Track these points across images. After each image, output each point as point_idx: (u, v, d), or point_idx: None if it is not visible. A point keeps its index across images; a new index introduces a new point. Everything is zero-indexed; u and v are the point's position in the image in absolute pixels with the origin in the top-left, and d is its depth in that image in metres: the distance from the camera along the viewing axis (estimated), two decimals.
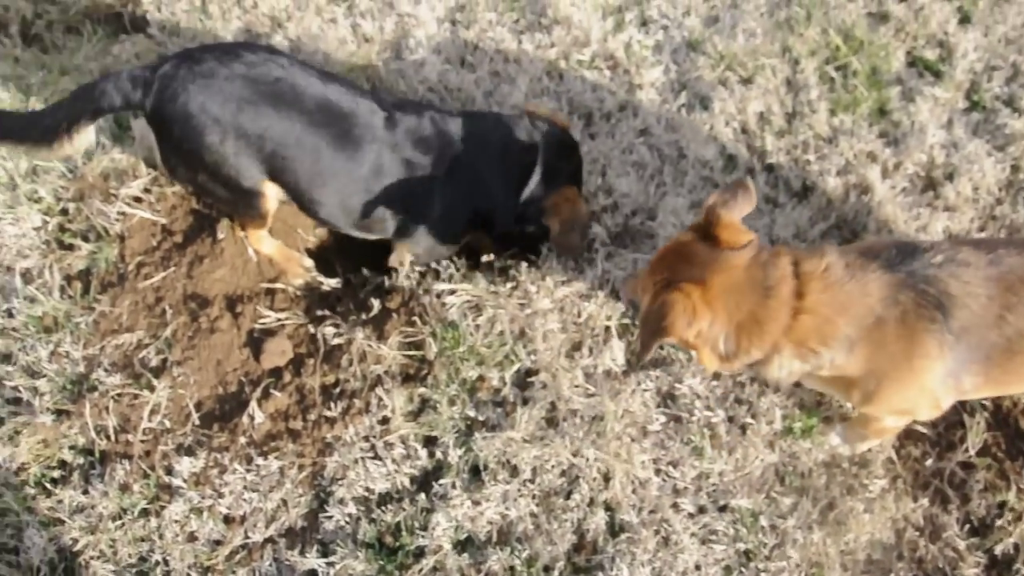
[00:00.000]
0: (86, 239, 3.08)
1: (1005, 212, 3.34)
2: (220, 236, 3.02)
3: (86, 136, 2.75)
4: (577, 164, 3.12)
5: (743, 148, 3.48)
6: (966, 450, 2.86)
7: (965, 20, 3.90)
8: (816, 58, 3.72)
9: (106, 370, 2.78)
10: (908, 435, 2.94)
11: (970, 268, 2.29)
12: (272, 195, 2.81)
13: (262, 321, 2.93)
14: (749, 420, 2.84)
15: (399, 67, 3.61)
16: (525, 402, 2.83)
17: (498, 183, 2.92)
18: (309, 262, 3.17)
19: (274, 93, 2.66)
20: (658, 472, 2.73)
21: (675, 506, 2.68)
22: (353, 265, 3.18)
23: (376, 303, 2.92)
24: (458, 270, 3.01)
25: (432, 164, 2.80)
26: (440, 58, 3.66)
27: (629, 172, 3.37)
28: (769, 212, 3.32)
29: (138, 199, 3.15)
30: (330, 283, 3.09)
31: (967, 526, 2.76)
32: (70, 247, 3.07)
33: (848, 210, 3.34)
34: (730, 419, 2.86)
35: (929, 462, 2.86)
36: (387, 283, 3.04)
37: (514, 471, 2.68)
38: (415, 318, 2.91)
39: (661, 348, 2.97)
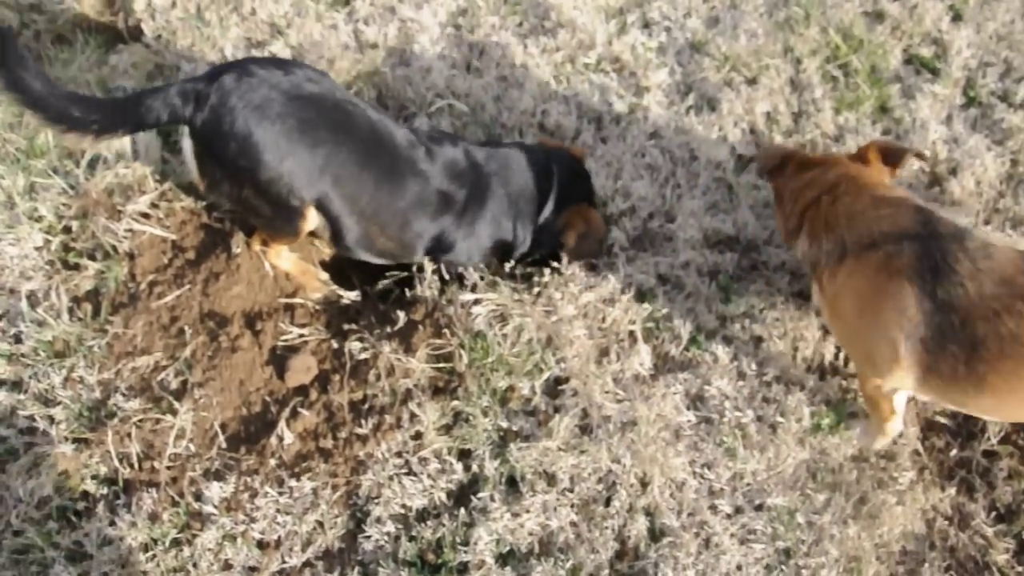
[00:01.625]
0: (93, 258, 2.97)
1: (1008, 205, 3.41)
2: (236, 251, 2.94)
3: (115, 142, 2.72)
4: (588, 186, 3.19)
5: (753, 148, 3.50)
6: (988, 439, 2.91)
7: (957, 18, 3.98)
8: (817, 57, 3.76)
9: (124, 395, 2.69)
10: (931, 427, 2.99)
11: (991, 260, 2.33)
12: (312, 217, 2.78)
13: (284, 338, 2.86)
14: (778, 419, 2.85)
15: (406, 73, 3.56)
16: (557, 410, 2.80)
17: (519, 214, 3.02)
18: (325, 275, 3.11)
19: (333, 119, 2.67)
20: (694, 475, 2.72)
21: (713, 508, 2.68)
22: (369, 277, 3.12)
23: (401, 315, 2.87)
24: (482, 279, 2.97)
25: (466, 197, 2.91)
26: (446, 63, 3.62)
27: (643, 175, 3.36)
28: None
29: (146, 215, 3.05)
30: (349, 296, 3.03)
31: (994, 513, 2.81)
32: (76, 267, 2.97)
33: None
34: (759, 418, 2.87)
35: (953, 452, 2.91)
36: (408, 294, 2.99)
37: (552, 480, 2.65)
38: (443, 329, 2.86)
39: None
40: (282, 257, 3.01)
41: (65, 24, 3.78)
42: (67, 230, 3.05)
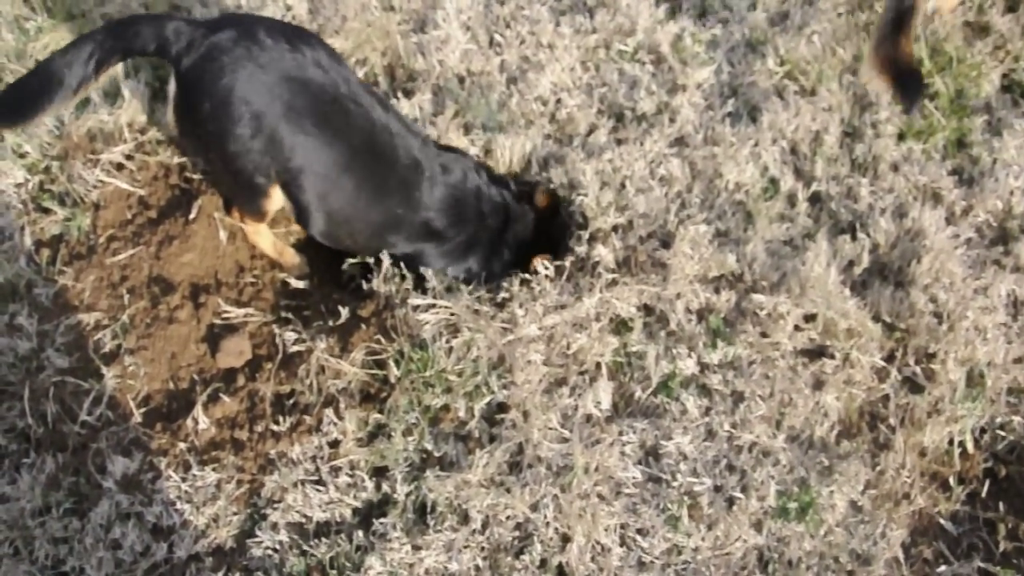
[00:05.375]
0: (63, 203, 2.92)
1: None
2: (192, 216, 2.82)
3: (111, 72, 2.59)
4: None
5: (789, 172, 3.07)
6: (990, 556, 2.49)
7: None
8: None
9: (57, 350, 2.64)
10: (923, 531, 2.58)
11: None
12: (277, 198, 2.65)
13: (224, 315, 2.73)
14: (738, 494, 2.51)
15: (419, 41, 3.30)
16: (492, 439, 2.57)
17: (493, 258, 2.95)
18: (299, 257, 2.96)
19: (326, 114, 2.51)
20: (623, 541, 2.44)
21: None
22: (329, 260, 2.94)
23: (345, 311, 2.68)
24: (441, 282, 2.74)
25: (447, 229, 2.81)
26: (467, 36, 3.33)
27: (652, 187, 3.00)
28: (803, 248, 2.92)
29: (120, 166, 2.96)
30: (297, 283, 2.87)
31: None
32: (46, 210, 2.92)
33: (895, 257, 2.91)
34: (717, 488, 2.53)
35: (942, 569, 2.49)
36: (365, 286, 2.79)
37: (464, 518, 2.43)
38: (389, 332, 2.66)
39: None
40: (260, 235, 2.88)
41: None
42: (47, 170, 3.01)
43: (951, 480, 2.64)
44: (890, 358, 2.77)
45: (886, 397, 2.71)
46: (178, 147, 2.97)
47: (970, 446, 2.67)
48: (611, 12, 3.38)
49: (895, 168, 3.07)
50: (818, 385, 2.70)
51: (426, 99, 3.15)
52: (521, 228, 3.01)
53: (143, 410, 2.57)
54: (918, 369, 2.74)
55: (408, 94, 3.19)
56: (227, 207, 2.89)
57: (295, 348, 2.65)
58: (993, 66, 3.27)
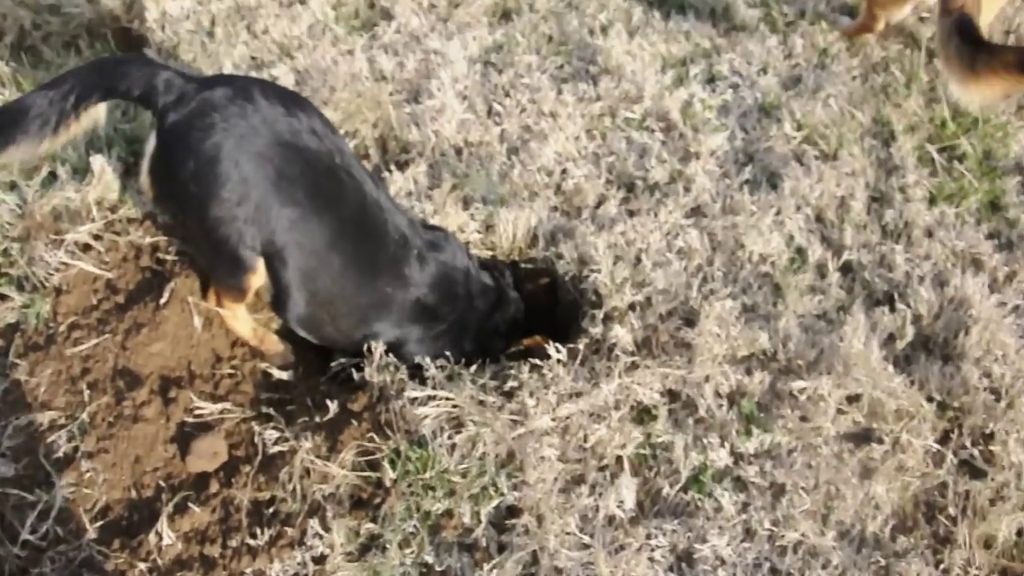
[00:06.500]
0: (21, 288, 2.64)
1: None
2: (163, 300, 2.54)
3: (94, 116, 2.33)
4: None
5: (816, 241, 2.84)
6: None
7: None
8: (916, 135, 3.06)
9: (2, 455, 2.31)
10: None
11: None
12: (262, 273, 2.40)
13: (197, 413, 2.42)
14: None
15: (413, 112, 3.10)
16: (501, 549, 2.23)
17: (487, 340, 2.73)
18: (282, 344, 2.68)
19: (318, 184, 2.32)
20: None
21: None
22: (317, 348, 2.66)
23: (333, 405, 2.38)
24: (442, 370, 2.46)
25: (439, 307, 2.59)
26: (464, 105, 3.14)
27: (671, 261, 2.75)
28: (839, 321, 2.66)
29: (86, 247, 2.70)
30: (280, 374, 2.57)
31: None
32: (2, 297, 2.63)
33: (939, 329, 2.65)
34: None
35: None
36: (356, 376, 2.50)
37: None
38: (382, 427, 2.35)
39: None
40: (239, 319, 2.61)
41: (78, 27, 3.54)
42: (6, 252, 2.73)
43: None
44: (943, 440, 2.48)
45: (943, 484, 2.41)
46: (153, 217, 2.72)
47: None
48: (615, 79, 3.21)
49: (929, 234, 2.84)
50: (867, 474, 2.40)
51: (421, 172, 2.93)
52: (514, 311, 2.80)
53: (99, 524, 2.22)
54: (976, 452, 2.45)
55: (402, 167, 2.97)
56: (203, 290, 2.62)
57: (277, 448, 2.33)
58: (1020, 126, 3.09)
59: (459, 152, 3.02)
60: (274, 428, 2.36)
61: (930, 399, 2.50)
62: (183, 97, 2.26)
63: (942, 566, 2.27)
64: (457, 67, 3.22)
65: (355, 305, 2.49)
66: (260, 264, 2.37)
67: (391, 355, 2.51)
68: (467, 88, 3.18)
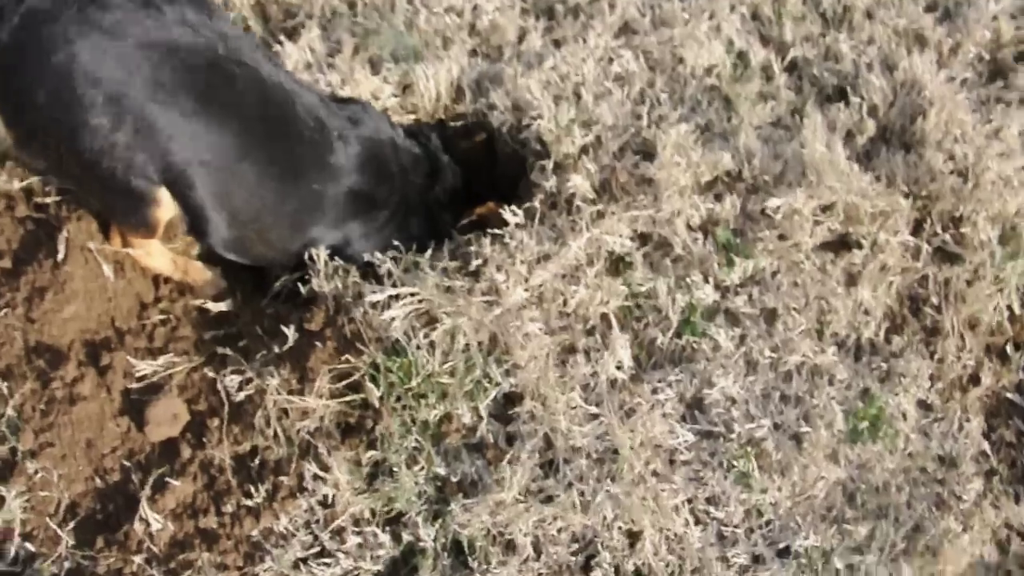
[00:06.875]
0: None
1: None
2: (60, 255, 2.16)
3: None
4: None
5: (756, 42, 2.64)
6: None
7: None
8: None
9: None
10: (997, 411, 2.33)
11: None
12: (168, 203, 2.06)
13: (139, 373, 2.13)
14: (802, 426, 2.18)
15: None
16: (510, 440, 2.12)
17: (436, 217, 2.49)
18: (210, 271, 2.36)
19: (206, 83, 1.95)
20: (697, 519, 2.07)
21: (725, 560, 2.04)
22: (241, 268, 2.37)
23: (291, 330, 2.13)
24: (397, 263, 2.22)
25: (375, 191, 2.29)
26: None
27: (611, 91, 2.51)
28: (796, 126, 2.53)
29: None
30: (218, 306, 2.28)
31: None
32: None
33: (895, 117, 2.56)
34: (776, 426, 2.19)
35: None
36: (303, 290, 2.24)
37: (510, 547, 2.00)
38: (350, 343, 2.13)
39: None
40: (153, 255, 2.28)
41: None
42: None
43: (1008, 348, 2.39)
44: (916, 231, 2.46)
45: (924, 277, 2.42)
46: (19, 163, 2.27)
47: (1017, 307, 2.41)
48: None
49: (870, 15, 2.68)
50: (851, 280, 2.38)
51: (315, 37, 2.53)
52: (452, 178, 2.54)
53: (71, 526, 1.96)
54: (948, 237, 2.44)
55: (291, 35, 2.57)
56: (104, 231, 2.25)
57: (243, 393, 2.09)
58: None
59: (352, 6, 2.60)
60: (233, 371, 2.10)
61: (902, 193, 2.44)
62: (2, 11, 1.83)
63: (936, 356, 2.31)
64: None
65: (283, 214, 2.20)
66: (162, 193, 2.03)
67: (337, 260, 2.25)
68: None
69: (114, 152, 1.91)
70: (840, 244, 2.42)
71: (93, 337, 2.16)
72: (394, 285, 2.19)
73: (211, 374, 2.14)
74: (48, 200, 2.27)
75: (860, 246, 2.38)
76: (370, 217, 2.32)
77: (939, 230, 2.44)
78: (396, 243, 2.30)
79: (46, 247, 2.20)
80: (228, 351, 2.16)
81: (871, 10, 2.68)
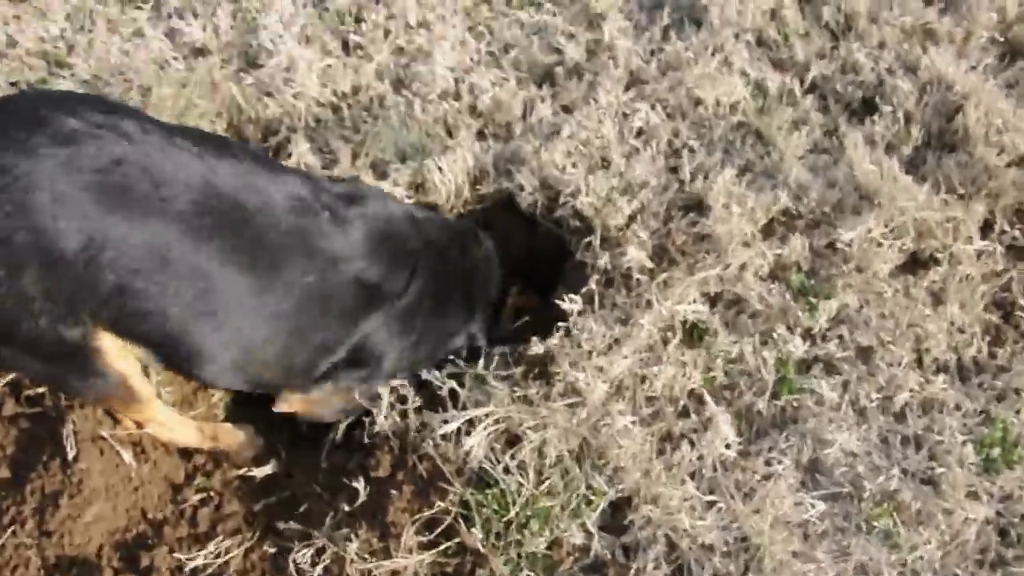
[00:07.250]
0: None
1: None
2: (71, 452, 1.85)
3: None
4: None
5: (769, 68, 2.49)
6: None
7: None
8: None
9: None
10: None
11: None
12: (118, 350, 1.72)
13: (189, 568, 1.81)
14: (934, 468, 1.96)
15: (258, 80, 2.41)
16: (628, 553, 1.86)
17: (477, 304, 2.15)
18: (242, 430, 2.07)
19: (119, 187, 1.59)
20: None
21: None
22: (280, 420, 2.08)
23: (360, 483, 1.84)
24: (462, 385, 1.96)
25: (389, 277, 1.91)
26: (313, 49, 2.47)
27: (637, 149, 2.33)
28: (835, 148, 2.38)
29: None
30: (263, 470, 1.99)
31: None
32: None
33: (930, 117, 2.42)
34: (905, 472, 1.97)
35: None
36: (366, 438, 1.96)
37: None
38: (428, 483, 1.85)
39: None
40: (171, 426, 1.98)
41: None
42: None
43: None
44: (985, 233, 2.30)
45: (1007, 280, 2.25)
46: None
47: None
48: None
49: (873, 19, 2.57)
50: (937, 300, 2.20)
51: (305, 151, 2.28)
52: (489, 261, 2.26)
53: None
54: (1017, 232, 2.29)
55: (278, 153, 2.31)
56: (111, 413, 1.94)
57: (319, 568, 1.79)
58: None
59: (336, 110, 2.38)
60: (304, 543, 1.80)
61: (962, 196, 2.29)
62: None
63: None
64: (281, 5, 2.50)
65: (272, 314, 1.78)
66: (104, 338, 1.68)
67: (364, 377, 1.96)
68: (307, 27, 2.49)
69: (26, 300, 1.57)
70: (914, 263, 2.25)
71: (125, 537, 1.86)
72: (463, 408, 1.93)
73: (272, 550, 1.84)
74: (40, 390, 1.96)
75: (937, 262, 2.21)
76: (387, 305, 1.93)
77: (1007, 227, 2.29)
78: (452, 345, 2.03)
79: (50, 445, 1.89)
80: (288, 522, 1.85)
81: (873, 13, 2.57)
